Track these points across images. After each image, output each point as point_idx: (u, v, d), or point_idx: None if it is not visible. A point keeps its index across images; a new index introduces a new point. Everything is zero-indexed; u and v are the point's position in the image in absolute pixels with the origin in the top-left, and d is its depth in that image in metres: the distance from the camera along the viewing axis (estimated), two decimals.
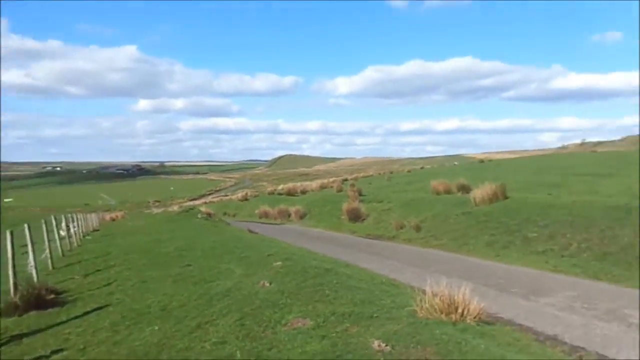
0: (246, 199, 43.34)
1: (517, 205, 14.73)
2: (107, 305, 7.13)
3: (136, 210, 65.98)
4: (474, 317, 5.96)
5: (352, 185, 35.07)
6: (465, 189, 20.17)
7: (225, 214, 36.29)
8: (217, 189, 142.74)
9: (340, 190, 32.12)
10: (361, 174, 68.86)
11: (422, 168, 65.36)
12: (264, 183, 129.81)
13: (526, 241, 12.24)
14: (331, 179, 54.21)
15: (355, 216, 21.01)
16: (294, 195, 38.06)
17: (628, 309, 7.27)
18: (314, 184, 45.54)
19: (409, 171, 57.57)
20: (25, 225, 9.64)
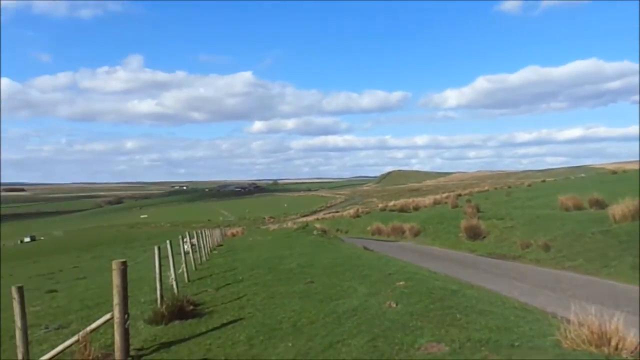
0: (358, 216, 43.59)
1: None
2: (241, 319, 7.50)
3: (253, 226, 69.50)
4: (632, 352, 5.34)
5: (469, 200, 33.72)
6: (599, 204, 18.42)
7: (338, 230, 36.77)
8: (328, 205, 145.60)
9: (455, 206, 31.03)
10: (475, 189, 66.02)
11: (543, 181, 60.75)
12: (374, 199, 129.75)
13: None
14: (444, 195, 52.61)
15: (475, 234, 20.09)
16: (407, 212, 37.44)
17: None
18: (427, 200, 44.45)
19: (529, 185, 53.97)
20: (167, 242, 10.58)
